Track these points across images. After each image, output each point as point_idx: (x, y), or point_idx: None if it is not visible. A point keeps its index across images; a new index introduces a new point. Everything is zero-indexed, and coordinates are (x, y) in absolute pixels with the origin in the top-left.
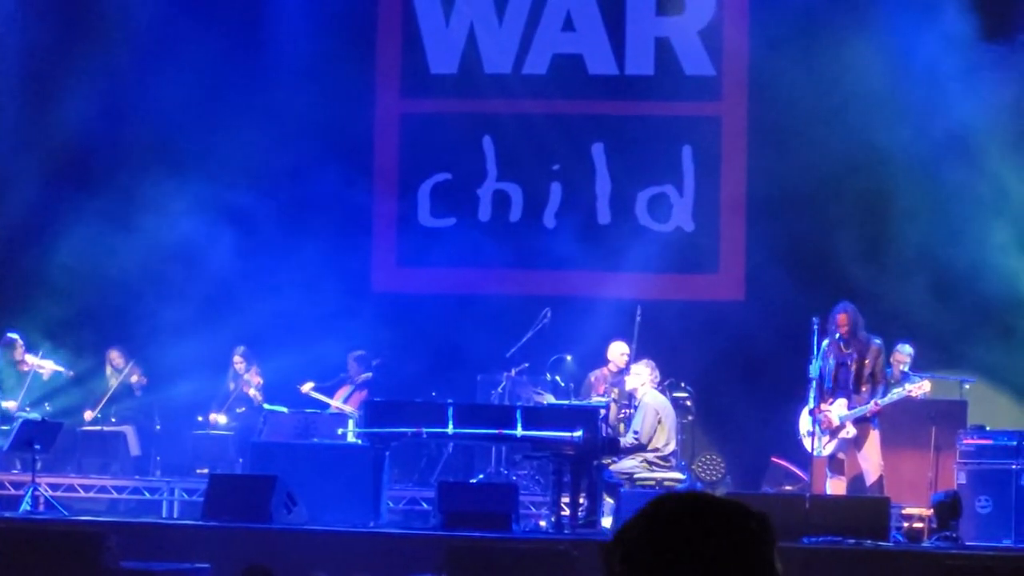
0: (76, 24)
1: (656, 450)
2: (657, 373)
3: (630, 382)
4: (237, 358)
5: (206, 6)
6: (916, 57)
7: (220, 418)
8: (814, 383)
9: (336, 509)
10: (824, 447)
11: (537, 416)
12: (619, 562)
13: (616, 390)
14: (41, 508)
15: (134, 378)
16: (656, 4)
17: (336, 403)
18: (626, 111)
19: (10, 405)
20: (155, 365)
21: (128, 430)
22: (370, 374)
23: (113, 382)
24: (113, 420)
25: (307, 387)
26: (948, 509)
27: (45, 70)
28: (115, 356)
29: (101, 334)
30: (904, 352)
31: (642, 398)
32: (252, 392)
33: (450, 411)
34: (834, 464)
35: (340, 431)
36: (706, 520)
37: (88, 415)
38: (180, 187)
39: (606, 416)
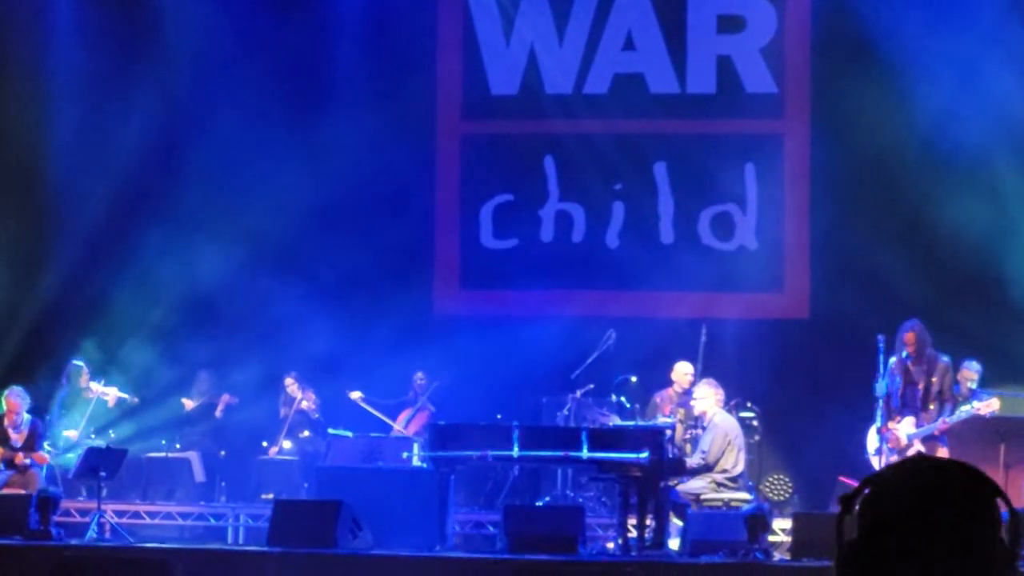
0: (133, 50)
1: (725, 471)
2: (721, 391)
3: (698, 406)
4: (289, 381)
5: (264, 28)
6: (985, 73)
7: (284, 443)
8: (881, 402)
9: (402, 533)
10: None
11: (603, 438)
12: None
13: (682, 410)
14: (107, 535)
15: (224, 397)
16: (717, 22)
17: (398, 426)
18: (688, 129)
19: (70, 434)
20: (216, 389)
21: (193, 456)
22: (427, 400)
23: (190, 405)
24: (177, 447)
25: (355, 395)
26: (1018, 527)
27: (102, 96)
28: (203, 377)
29: (164, 358)
30: (972, 369)
31: (712, 418)
32: (306, 404)
33: (515, 434)
34: None
35: (405, 455)
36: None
37: (188, 403)
38: (241, 210)
39: (672, 436)
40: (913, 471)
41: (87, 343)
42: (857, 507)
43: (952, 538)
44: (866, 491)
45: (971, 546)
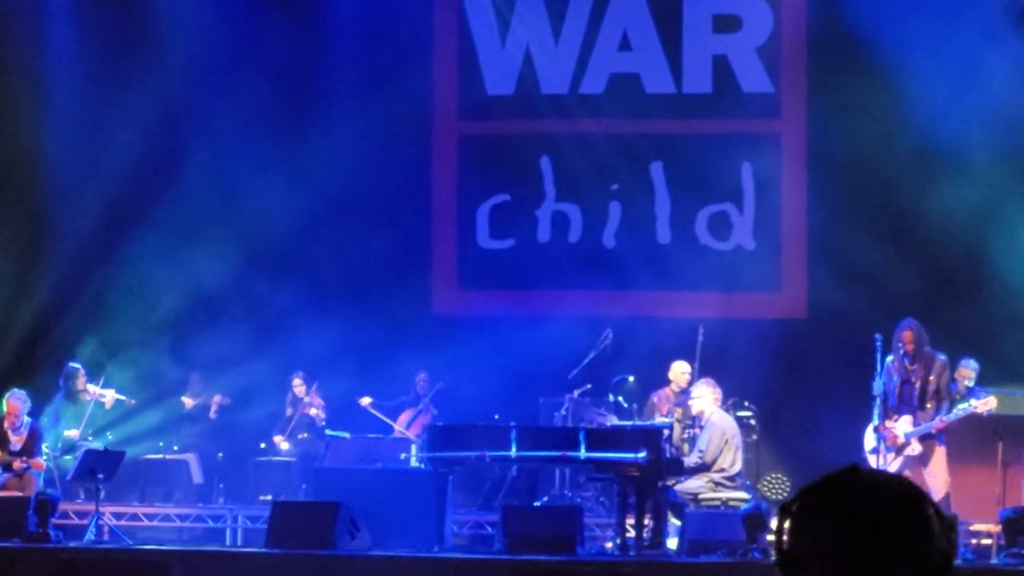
0: (129, 53)
1: (722, 470)
2: (719, 391)
3: (696, 405)
4: (297, 381)
5: (260, 30)
6: (978, 69)
7: (283, 444)
8: (878, 400)
9: (400, 534)
10: (889, 464)
11: (600, 438)
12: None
13: (679, 410)
14: (105, 537)
15: (216, 397)
16: (713, 22)
17: (399, 427)
18: (684, 129)
19: (72, 433)
20: (210, 390)
21: (191, 458)
22: (429, 402)
23: (190, 404)
24: (175, 449)
25: (365, 401)
26: (1017, 525)
27: (99, 99)
28: (195, 379)
29: (162, 360)
30: (969, 368)
31: (709, 417)
32: (314, 412)
33: (513, 434)
34: None
35: (403, 456)
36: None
37: (188, 402)
38: (238, 212)
39: (669, 436)
40: (846, 481)
41: (85, 345)
42: (794, 515)
43: (885, 545)
44: (802, 500)
45: (904, 553)
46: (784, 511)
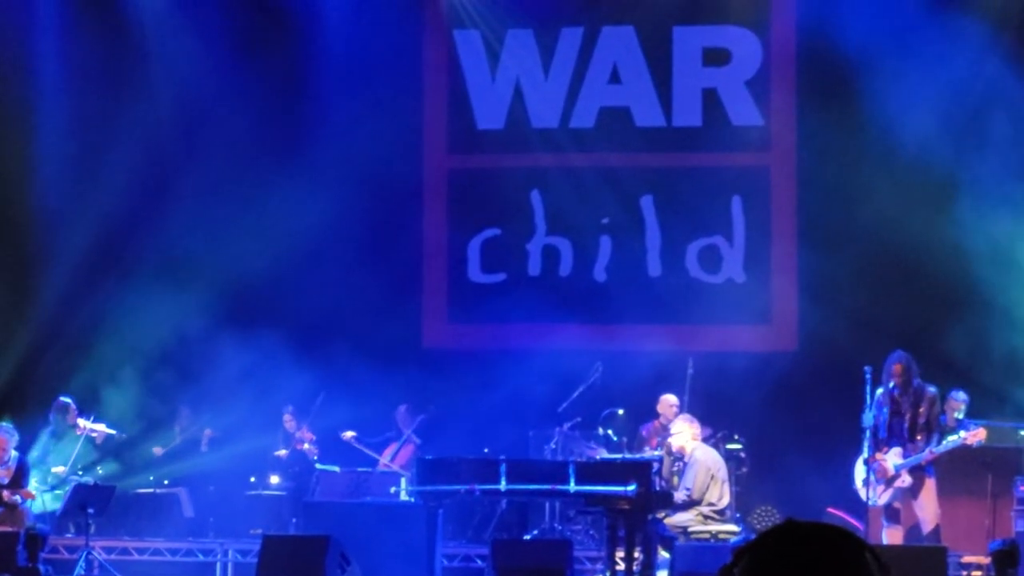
0: (119, 92)
1: (711, 504)
2: (698, 425)
3: (675, 442)
4: (287, 417)
5: (250, 66)
6: (966, 102)
7: (273, 479)
8: (868, 432)
9: (390, 568)
10: (880, 496)
11: (590, 471)
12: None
13: (669, 443)
14: (96, 572)
15: (206, 431)
16: (703, 55)
17: (384, 460)
18: (674, 163)
19: (59, 470)
20: (200, 424)
21: (181, 492)
22: (412, 433)
23: (161, 451)
24: (166, 483)
25: (348, 435)
26: (1006, 557)
27: (89, 134)
28: (185, 413)
29: (153, 394)
30: (958, 399)
31: (692, 453)
32: (307, 447)
33: (503, 467)
34: (890, 513)
35: (393, 489)
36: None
37: (157, 451)
38: (228, 246)
39: (659, 469)
40: (783, 536)
41: (75, 380)
42: (744, 569)
43: None
44: (751, 554)
45: None
46: (735, 562)
